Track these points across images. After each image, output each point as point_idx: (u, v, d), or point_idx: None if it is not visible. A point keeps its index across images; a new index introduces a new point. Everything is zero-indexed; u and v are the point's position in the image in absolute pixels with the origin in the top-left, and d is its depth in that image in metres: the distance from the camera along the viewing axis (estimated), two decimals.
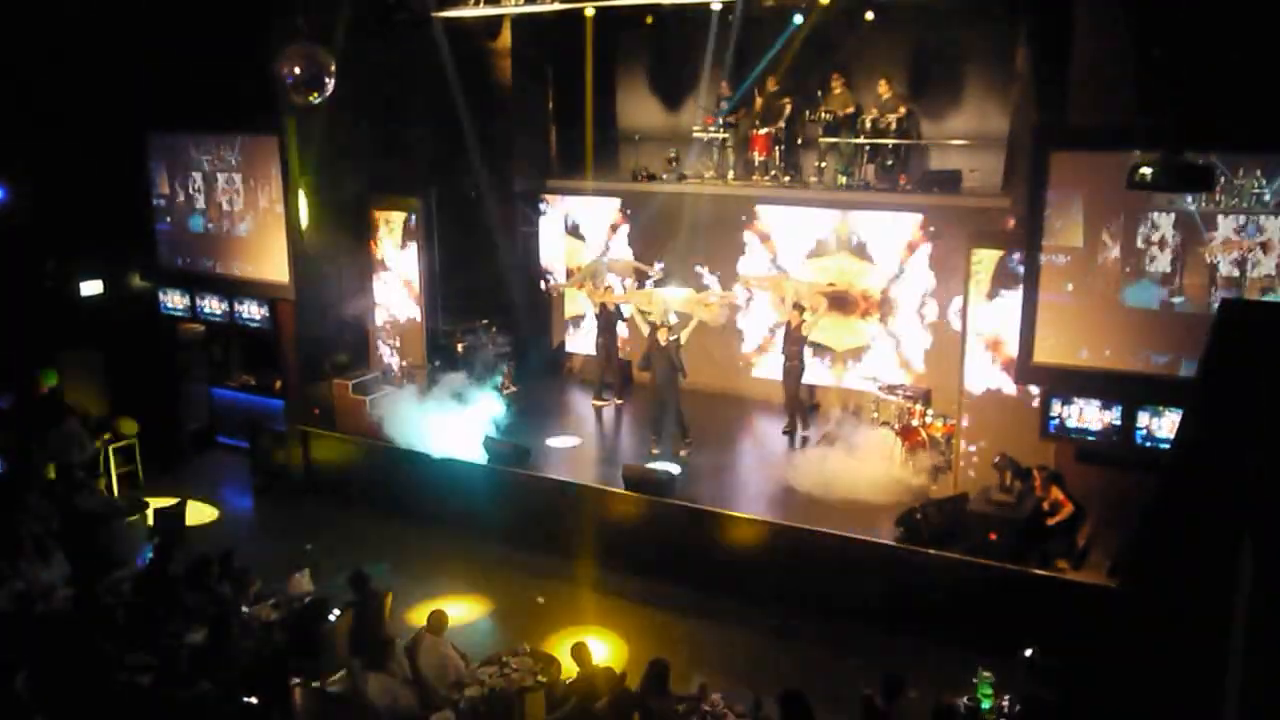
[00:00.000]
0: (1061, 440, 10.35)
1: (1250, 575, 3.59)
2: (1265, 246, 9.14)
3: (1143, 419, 9.85)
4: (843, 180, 13.42)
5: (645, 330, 12.89)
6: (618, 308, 13.96)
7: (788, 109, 13.75)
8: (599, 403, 14.13)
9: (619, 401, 14.08)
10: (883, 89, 13.03)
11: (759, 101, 13.77)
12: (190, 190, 14.63)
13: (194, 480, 13.53)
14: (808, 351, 12.87)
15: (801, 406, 12.95)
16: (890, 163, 13.15)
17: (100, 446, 12.89)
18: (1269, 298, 9.13)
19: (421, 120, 14.29)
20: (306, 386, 13.75)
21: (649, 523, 10.99)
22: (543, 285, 15.71)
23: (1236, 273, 9.29)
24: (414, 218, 13.72)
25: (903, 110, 13.08)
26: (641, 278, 14.14)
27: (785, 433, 12.87)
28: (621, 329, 14.25)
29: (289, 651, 8.72)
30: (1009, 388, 10.75)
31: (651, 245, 14.69)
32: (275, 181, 13.62)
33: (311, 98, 9.70)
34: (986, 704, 7.69)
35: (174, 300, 15.27)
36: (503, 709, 7.96)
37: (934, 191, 12.84)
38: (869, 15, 12.58)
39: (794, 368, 12.69)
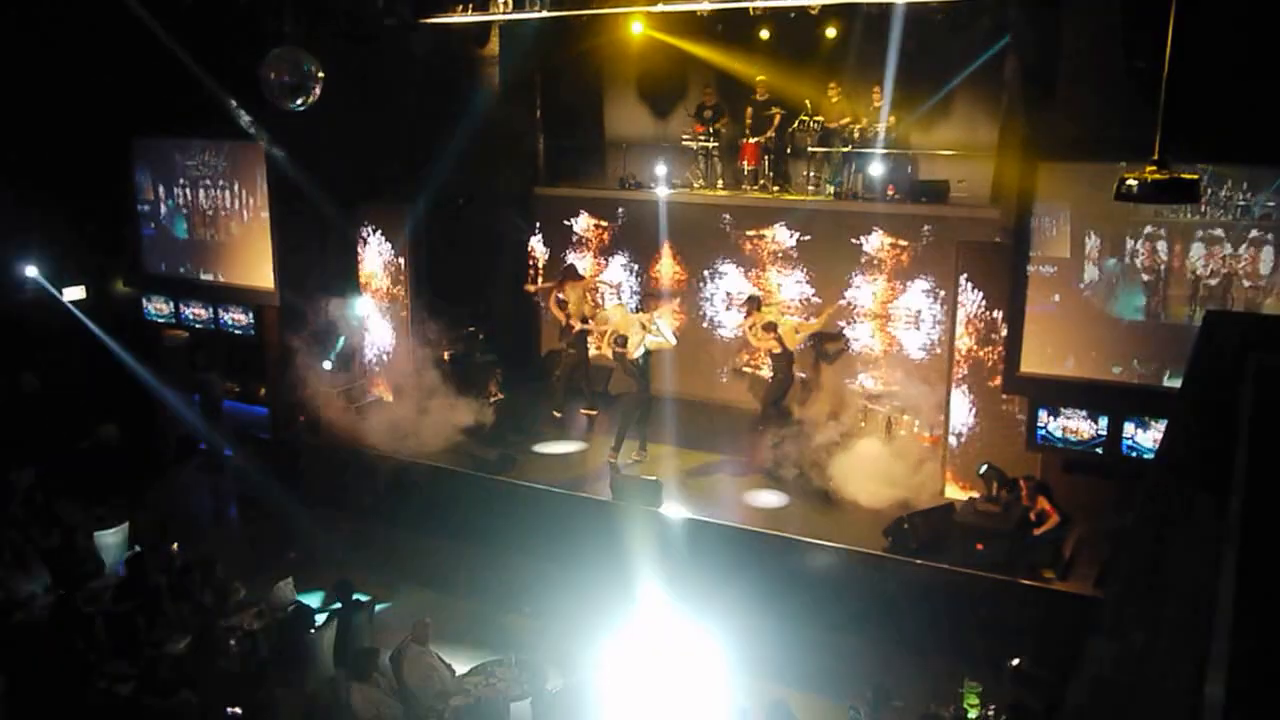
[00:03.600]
0: (1048, 450, 10.37)
1: (1232, 588, 3.57)
2: (1251, 258, 9.19)
3: (1129, 429, 9.87)
4: (831, 190, 13.44)
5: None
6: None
7: (777, 118, 13.76)
8: (589, 412, 13.94)
9: (594, 412, 13.83)
10: (875, 98, 13.06)
11: (749, 111, 13.77)
12: (175, 196, 14.55)
13: (177, 488, 13.44)
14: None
15: (777, 415, 12.75)
16: (879, 172, 13.16)
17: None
18: (1254, 310, 9.17)
19: (409, 127, 14.25)
20: (292, 394, 13.67)
21: (634, 530, 10.95)
22: (531, 288, 15.48)
23: (1222, 284, 9.33)
24: (401, 224, 13.69)
25: (891, 120, 13.11)
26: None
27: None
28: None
29: (272, 661, 8.68)
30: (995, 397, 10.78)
31: (638, 254, 14.69)
32: (261, 187, 13.56)
33: (297, 103, 9.66)
34: (973, 714, 7.69)
35: (158, 306, 15.19)
36: (488, 719, 7.92)
37: (922, 201, 12.87)
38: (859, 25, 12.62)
39: (776, 379, 12.61)
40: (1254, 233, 9.13)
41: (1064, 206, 9.83)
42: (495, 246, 15.19)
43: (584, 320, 13.40)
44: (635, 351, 11.99)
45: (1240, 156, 8.99)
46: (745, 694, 8.04)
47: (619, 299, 14.57)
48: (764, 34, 13.17)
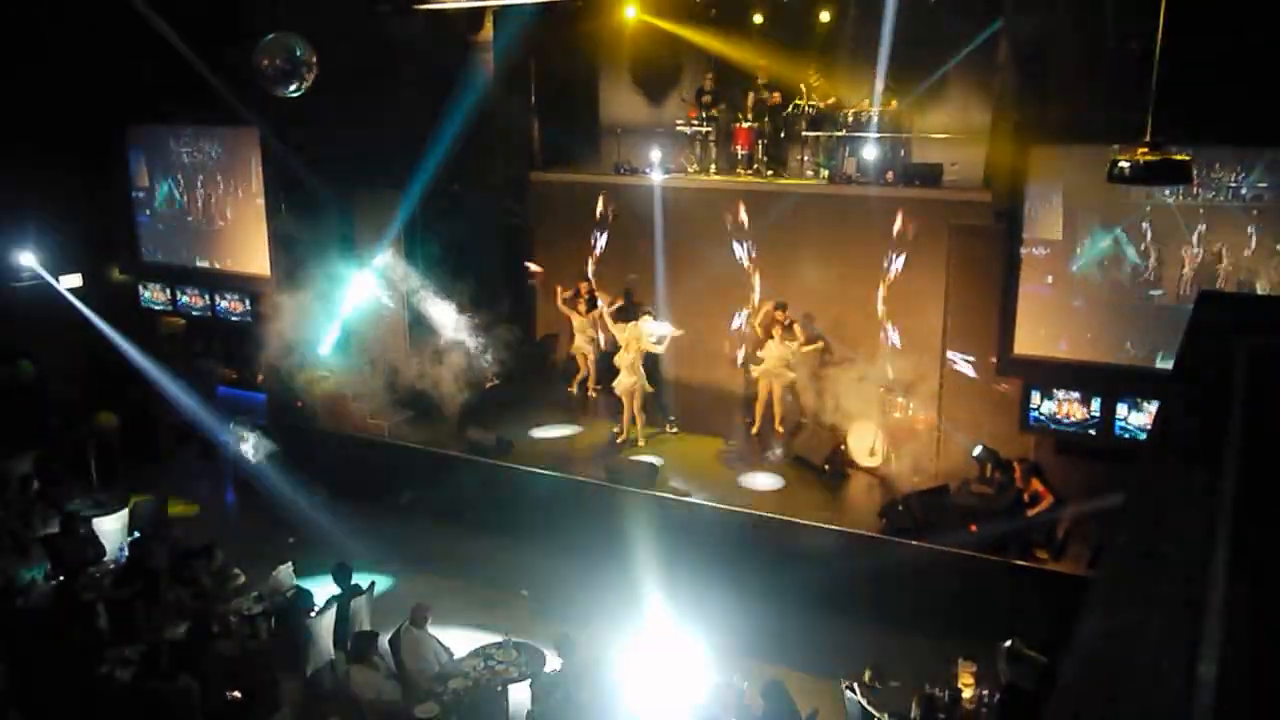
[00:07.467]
0: (1041, 432, 10.43)
1: (1224, 568, 3.61)
2: (1242, 239, 9.24)
3: (1122, 411, 9.94)
4: (825, 174, 13.44)
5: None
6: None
7: (771, 102, 13.74)
8: (587, 392, 13.94)
9: (594, 392, 13.84)
10: (869, 82, 13.03)
11: (750, 96, 13.73)
12: (170, 183, 14.53)
13: (175, 474, 13.46)
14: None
15: (772, 410, 12.66)
16: (873, 156, 13.15)
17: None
18: (1246, 290, 9.22)
19: (403, 113, 14.22)
20: (288, 380, 13.67)
21: (632, 514, 11.01)
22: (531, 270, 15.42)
23: (1214, 265, 9.38)
24: (396, 210, 13.67)
25: (888, 104, 13.09)
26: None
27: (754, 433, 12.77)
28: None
29: (271, 645, 8.72)
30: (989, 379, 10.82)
31: (633, 240, 14.66)
32: (256, 174, 13.54)
33: (291, 90, 9.63)
34: (967, 693, 7.75)
35: (154, 294, 15.19)
36: (486, 701, 7.98)
37: (915, 185, 12.86)
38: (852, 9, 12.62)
39: (770, 372, 12.59)
40: (1245, 213, 9.18)
41: (1056, 189, 9.88)
42: (490, 232, 15.16)
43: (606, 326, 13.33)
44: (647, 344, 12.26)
45: (1232, 138, 9.03)
46: (741, 674, 8.10)
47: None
48: (757, 18, 13.15)
